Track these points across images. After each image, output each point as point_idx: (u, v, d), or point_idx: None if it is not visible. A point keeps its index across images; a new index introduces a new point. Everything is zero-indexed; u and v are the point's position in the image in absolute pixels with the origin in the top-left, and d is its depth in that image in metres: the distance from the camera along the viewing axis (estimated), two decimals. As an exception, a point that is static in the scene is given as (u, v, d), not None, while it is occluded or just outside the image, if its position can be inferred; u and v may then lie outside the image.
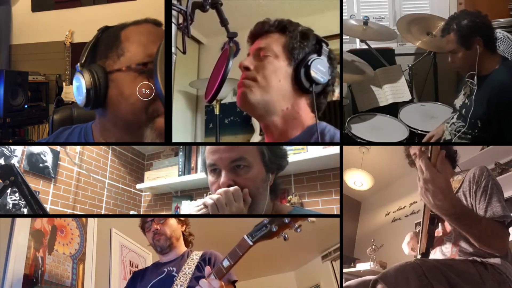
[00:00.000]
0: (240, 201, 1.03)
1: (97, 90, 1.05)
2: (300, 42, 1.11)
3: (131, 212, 2.99)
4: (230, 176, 1.06)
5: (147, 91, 1.05)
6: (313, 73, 1.08)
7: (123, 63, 1.06)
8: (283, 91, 1.10)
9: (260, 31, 1.14)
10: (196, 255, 1.39)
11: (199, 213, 1.02)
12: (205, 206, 1.02)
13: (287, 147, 2.24)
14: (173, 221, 1.51)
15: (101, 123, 1.18)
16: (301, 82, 1.09)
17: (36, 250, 1.59)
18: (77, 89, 1.07)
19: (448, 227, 1.34)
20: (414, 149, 1.43)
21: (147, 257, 2.27)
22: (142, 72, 1.05)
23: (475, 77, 1.84)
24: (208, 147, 1.13)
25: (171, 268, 1.39)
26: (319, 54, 1.11)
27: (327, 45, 1.14)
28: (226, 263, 1.08)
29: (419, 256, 1.35)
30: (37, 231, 1.63)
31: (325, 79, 1.10)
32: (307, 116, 1.13)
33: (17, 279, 1.47)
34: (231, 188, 1.03)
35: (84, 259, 1.82)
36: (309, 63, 1.09)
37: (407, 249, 1.49)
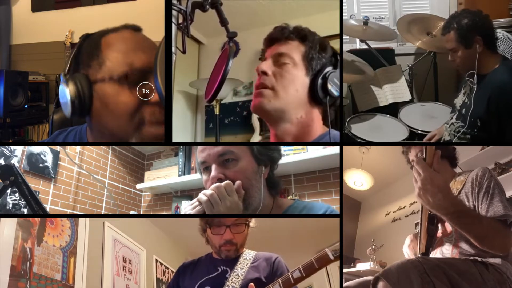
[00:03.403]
0: (234, 194, 1.03)
1: (81, 101, 1.05)
2: (319, 53, 1.13)
3: (131, 212, 2.99)
4: (219, 170, 1.08)
5: (147, 91, 1.05)
6: (329, 86, 1.10)
7: (104, 72, 1.06)
8: (299, 100, 1.12)
9: (280, 36, 1.15)
10: (249, 255, 1.31)
11: (193, 211, 1.02)
12: (200, 202, 1.02)
13: (287, 147, 2.26)
14: (245, 230, 1.32)
15: (89, 130, 1.18)
16: (317, 93, 1.11)
17: (24, 240, 1.54)
18: (61, 99, 1.06)
19: (449, 228, 1.33)
20: (412, 156, 1.44)
21: (141, 254, 2.25)
22: (123, 83, 1.05)
23: (475, 76, 1.85)
24: (198, 146, 1.14)
25: (225, 268, 1.29)
26: (335, 67, 1.13)
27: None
28: (297, 274, 1.03)
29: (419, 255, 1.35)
30: (25, 220, 1.58)
31: (338, 92, 1.12)
32: (319, 126, 1.16)
33: (4, 270, 1.42)
34: (223, 183, 1.04)
35: (75, 252, 1.77)
36: (326, 75, 1.11)
37: (408, 252, 1.49)
